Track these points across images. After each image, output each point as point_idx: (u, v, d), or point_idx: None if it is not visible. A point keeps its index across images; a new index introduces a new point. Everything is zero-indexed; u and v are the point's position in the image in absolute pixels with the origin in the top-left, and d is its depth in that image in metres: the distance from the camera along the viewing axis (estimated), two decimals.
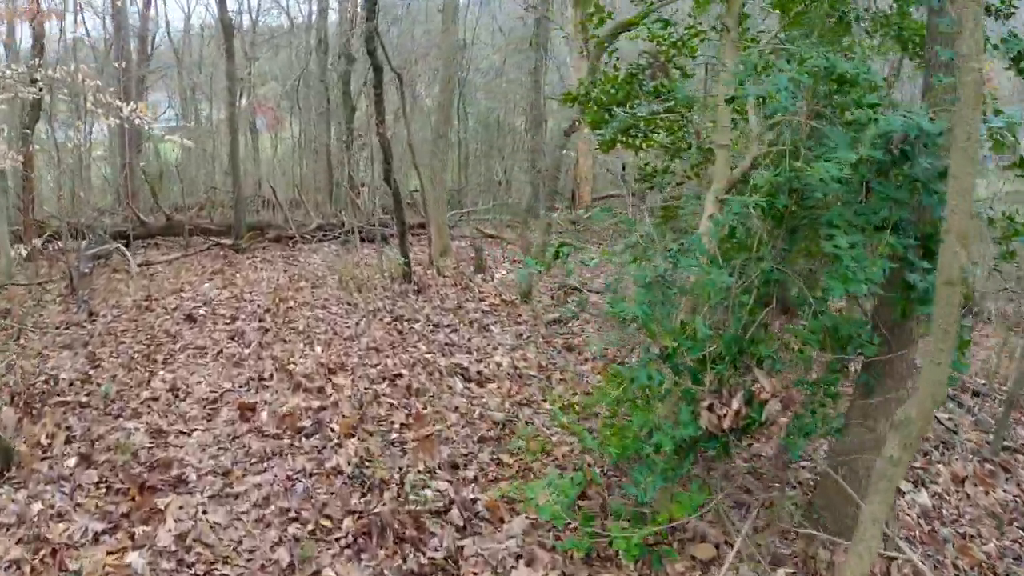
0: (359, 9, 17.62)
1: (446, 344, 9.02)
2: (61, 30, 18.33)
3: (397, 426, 6.65)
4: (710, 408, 4.70)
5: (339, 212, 20.34)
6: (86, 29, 25.88)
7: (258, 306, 10.54)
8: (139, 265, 13.33)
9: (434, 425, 6.65)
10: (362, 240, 15.92)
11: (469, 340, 9.22)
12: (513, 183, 22.68)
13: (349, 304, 10.47)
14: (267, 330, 9.30)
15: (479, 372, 8.07)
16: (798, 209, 4.74)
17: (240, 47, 27.67)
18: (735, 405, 4.64)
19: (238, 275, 13.01)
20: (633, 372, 5.01)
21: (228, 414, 6.94)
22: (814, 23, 5.53)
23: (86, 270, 11.51)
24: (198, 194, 21.66)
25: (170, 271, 13.36)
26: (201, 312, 10.34)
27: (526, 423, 6.98)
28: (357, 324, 9.62)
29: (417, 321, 9.75)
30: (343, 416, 6.74)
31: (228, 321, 9.91)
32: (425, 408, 7.05)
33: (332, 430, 6.50)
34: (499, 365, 8.41)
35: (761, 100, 4.87)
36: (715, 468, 6.01)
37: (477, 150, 24.16)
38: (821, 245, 4.42)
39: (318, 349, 8.53)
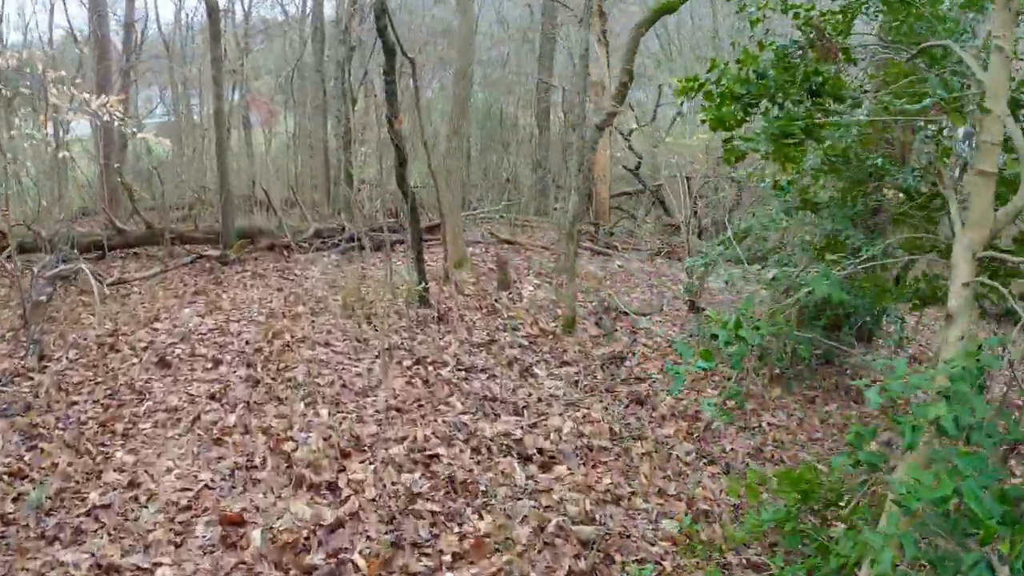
0: None
1: (485, 398, 6.80)
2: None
3: (448, 557, 4.43)
4: None
5: (338, 214, 18.04)
6: (68, 19, 23.43)
7: (246, 342, 8.27)
8: (111, 284, 10.99)
9: (499, 553, 4.44)
10: (362, 248, 13.65)
11: (513, 391, 7.00)
12: (519, 181, 20.41)
13: (357, 340, 8.21)
14: (257, 382, 7.03)
15: (539, 449, 5.85)
16: None
17: (232, 38, 25.33)
18: None
19: (225, 295, 10.70)
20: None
21: (206, 533, 4.69)
22: None
23: (42, 296, 9.19)
24: (188, 195, 19.36)
25: (146, 291, 11.03)
26: (177, 352, 8.06)
27: (622, 535, 4.80)
28: (370, 370, 7.39)
29: (444, 364, 7.51)
30: (368, 539, 4.52)
31: (209, 366, 7.63)
32: (481, 518, 4.83)
33: (356, 568, 4.28)
34: (560, 433, 6.19)
35: None
36: None
37: (479, 145, 21.84)
38: None
39: (323, 413, 6.27)
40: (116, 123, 10.72)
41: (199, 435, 6.00)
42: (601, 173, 16.76)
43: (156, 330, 8.88)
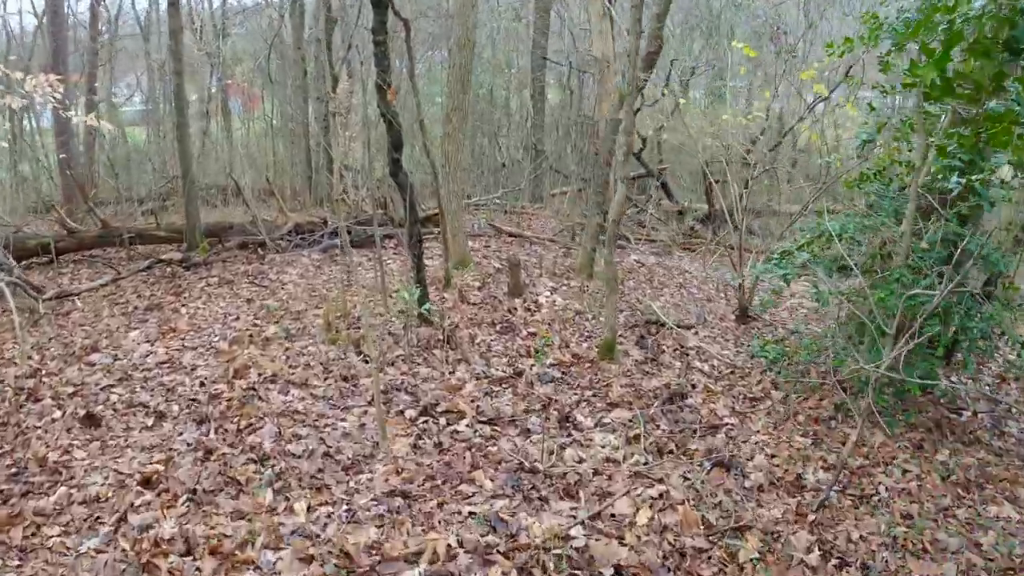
0: None
1: (521, 469, 4.77)
2: None
3: None
4: None
5: (320, 204, 15.86)
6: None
7: (201, 383, 6.16)
8: (49, 299, 8.82)
9: None
10: (351, 245, 11.52)
11: (560, 453, 4.98)
12: (513, 166, 18.27)
13: (344, 379, 6.13)
14: (209, 452, 4.94)
15: (616, 566, 3.84)
16: None
17: (209, 20, 22.91)
18: None
19: (184, 310, 8.56)
20: None
21: None
22: None
23: None
24: (162, 186, 17.11)
25: (90, 307, 8.86)
26: (113, 399, 5.96)
27: None
28: (362, 426, 5.33)
29: (460, 415, 5.46)
30: None
31: (150, 422, 5.53)
32: None
33: None
34: (634, 527, 4.19)
35: None
36: None
37: (470, 129, 19.63)
38: None
39: (299, 509, 4.21)
40: (49, 105, 8.79)
41: (122, 553, 3.93)
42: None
43: (91, 365, 6.75)
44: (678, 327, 7.62)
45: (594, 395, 6.00)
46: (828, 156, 9.01)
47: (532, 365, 6.45)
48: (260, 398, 5.83)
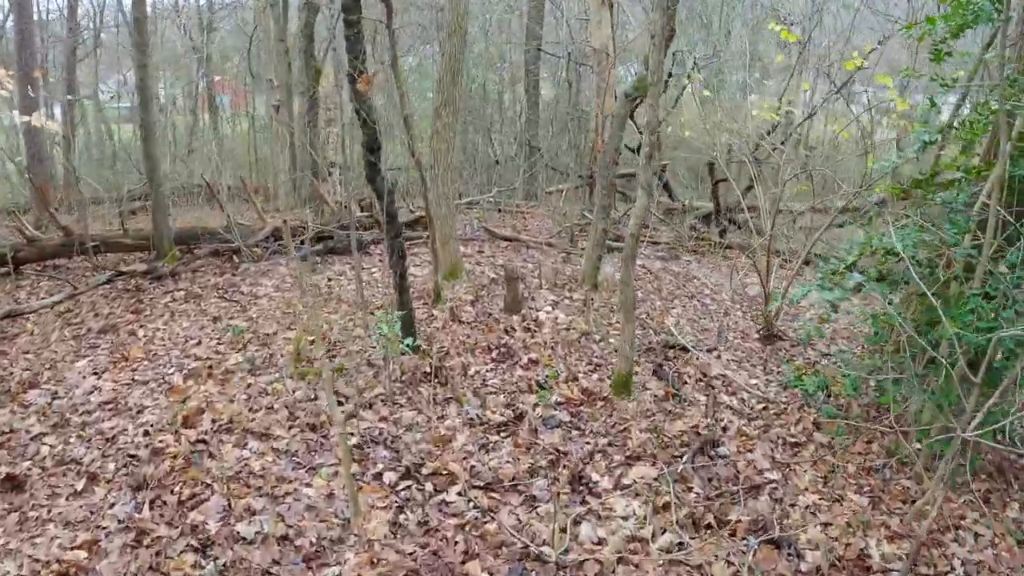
0: None
1: (526, 556, 3.73)
2: None
3: None
4: None
5: (303, 205, 14.73)
6: None
7: (146, 432, 5.08)
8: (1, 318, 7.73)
9: None
10: (332, 252, 10.43)
11: (573, 531, 3.94)
12: (506, 163, 17.15)
13: (311, 428, 5.05)
14: (142, 535, 3.89)
15: None
16: None
17: (196, 16, 21.75)
18: None
19: (142, 331, 7.47)
20: None
21: None
22: None
23: None
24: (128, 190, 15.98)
25: (42, 329, 7.76)
26: (43, 454, 4.89)
27: None
28: (330, 495, 4.27)
29: (451, 478, 4.41)
30: None
31: (80, 486, 4.46)
32: None
33: None
34: None
35: None
36: None
37: (462, 124, 18.49)
38: None
39: None
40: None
41: None
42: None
43: (25, 407, 5.67)
44: (696, 349, 6.57)
45: (610, 444, 4.95)
46: (869, 156, 7.95)
47: (535, 404, 5.39)
48: (211, 454, 4.76)
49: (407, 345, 5.31)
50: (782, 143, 12.82)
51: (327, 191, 12.23)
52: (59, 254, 10.25)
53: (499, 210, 14.71)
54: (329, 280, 9.18)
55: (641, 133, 14.58)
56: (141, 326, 7.72)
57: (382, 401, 5.32)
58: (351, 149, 14.65)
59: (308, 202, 12.10)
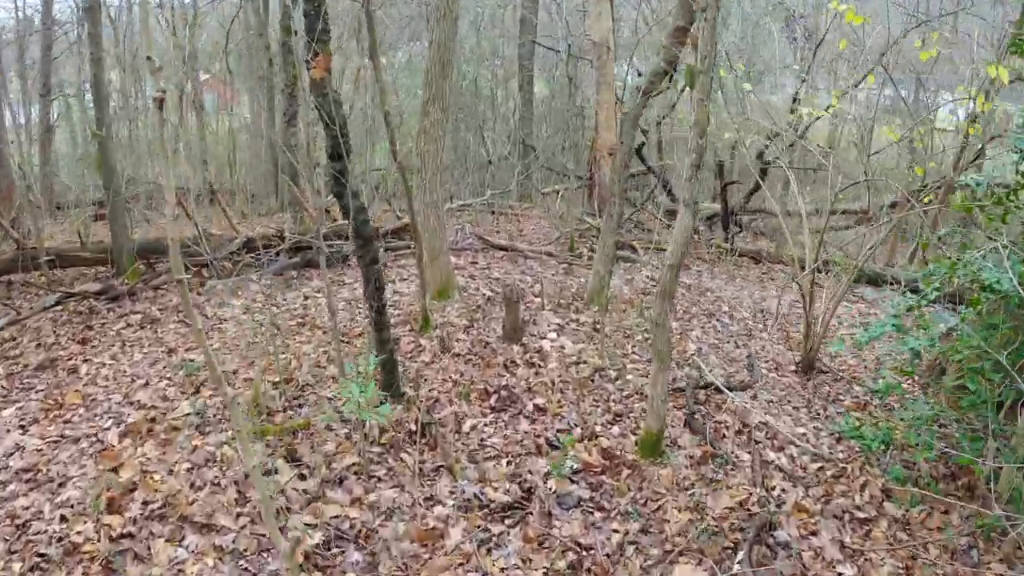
0: None
1: None
2: None
3: None
4: None
5: (283, 208, 13.55)
6: None
7: (62, 519, 3.90)
8: None
9: None
10: (310, 265, 9.24)
11: None
12: (500, 162, 15.94)
13: (257, 517, 3.90)
14: None
15: None
16: None
17: (180, 12, 20.39)
18: None
19: (84, 369, 6.27)
20: None
21: None
22: None
23: None
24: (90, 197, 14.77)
25: None
26: None
27: None
28: None
29: None
30: None
31: None
32: None
33: None
34: None
35: None
36: None
37: (453, 122, 17.25)
38: None
39: None
40: None
41: None
42: (607, 153, 12.44)
43: None
44: (733, 389, 5.43)
45: (643, 531, 3.81)
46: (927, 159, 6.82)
47: (547, 474, 4.24)
48: (136, 555, 3.60)
49: (384, 407, 4.11)
50: (790, 144, 11.72)
51: (309, 195, 11.01)
52: (10, 269, 9.01)
53: (492, 212, 13.54)
54: (306, 299, 8.00)
55: (646, 132, 13.41)
56: (86, 360, 6.53)
57: (355, 474, 4.16)
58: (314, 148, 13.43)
59: (290, 207, 10.88)
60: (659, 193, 13.95)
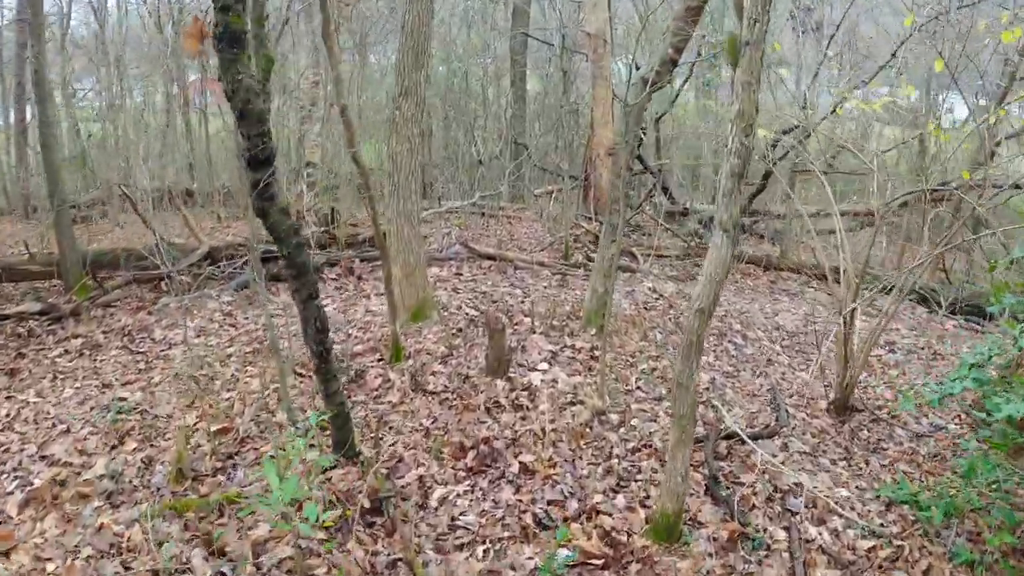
0: None
1: None
2: None
3: None
4: None
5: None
6: None
7: None
8: None
9: None
10: (276, 280, 8.20)
11: None
12: (491, 162, 14.91)
13: None
14: None
15: None
16: None
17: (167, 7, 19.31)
18: None
19: (4, 409, 5.28)
20: None
21: None
22: None
23: None
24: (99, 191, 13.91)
25: None
26: None
27: None
28: None
29: None
30: None
31: None
32: None
33: None
34: None
35: None
36: None
37: (441, 120, 16.20)
38: None
39: None
40: None
41: None
42: (603, 152, 11.43)
43: None
44: (759, 438, 4.44)
45: None
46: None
47: (534, 571, 3.24)
48: None
49: (310, 508, 3.08)
50: (801, 140, 10.73)
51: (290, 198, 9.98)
52: None
53: (483, 214, 12.53)
54: (271, 316, 6.98)
55: (644, 130, 12.40)
56: (8, 397, 5.53)
57: (288, 573, 3.16)
58: (326, 149, 12.42)
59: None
60: (657, 193, 12.96)
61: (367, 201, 5.14)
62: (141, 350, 6.29)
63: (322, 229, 8.73)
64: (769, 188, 12.61)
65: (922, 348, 7.32)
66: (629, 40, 16.54)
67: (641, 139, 13.37)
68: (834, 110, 9.66)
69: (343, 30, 12.38)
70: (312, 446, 3.80)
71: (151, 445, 4.49)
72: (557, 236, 10.28)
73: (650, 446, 4.35)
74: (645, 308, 7.43)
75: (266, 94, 9.58)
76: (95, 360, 6.18)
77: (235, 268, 8.08)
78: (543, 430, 4.47)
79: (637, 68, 11.67)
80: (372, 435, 4.23)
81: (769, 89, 12.17)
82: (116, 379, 5.71)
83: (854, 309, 4.69)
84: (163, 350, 6.29)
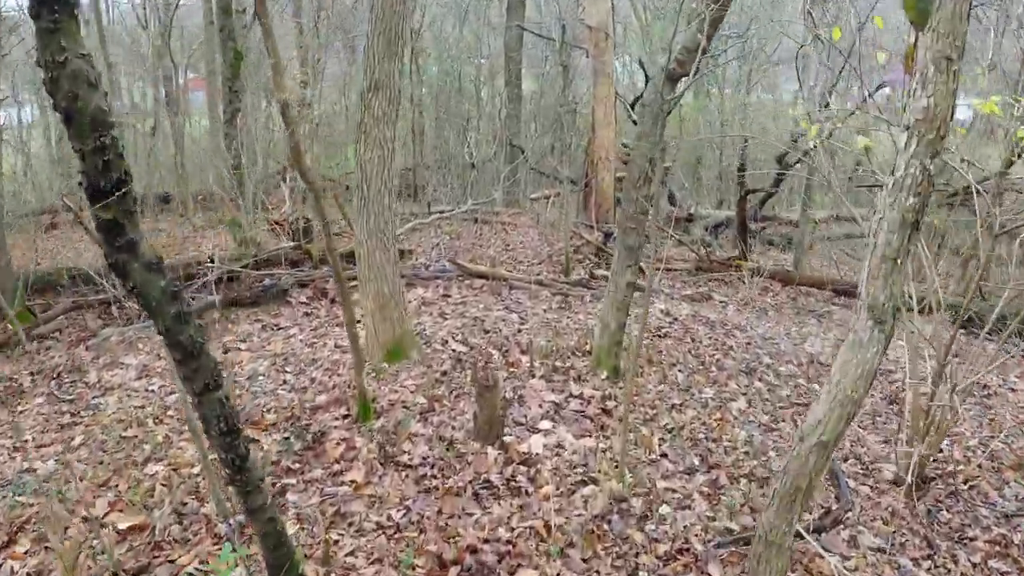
0: None
1: None
2: None
3: None
4: None
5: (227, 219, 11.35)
6: None
7: None
8: None
9: None
10: (236, 304, 7.08)
11: None
12: (485, 166, 13.79)
13: None
14: None
15: None
16: None
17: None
18: None
19: None
20: None
21: None
22: None
23: None
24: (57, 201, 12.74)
25: None
26: None
27: None
28: None
29: None
30: None
31: None
32: None
33: None
34: None
35: None
36: None
37: (432, 121, 15.04)
38: None
39: None
40: None
41: None
42: (605, 154, 10.33)
43: None
44: (821, 531, 3.37)
45: None
46: None
47: None
48: None
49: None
50: (807, 152, 9.65)
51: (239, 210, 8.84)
52: None
53: (476, 220, 11.45)
54: (226, 352, 5.89)
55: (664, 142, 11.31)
56: None
57: None
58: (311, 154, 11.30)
59: (231, 224, 8.72)
60: (658, 195, 11.87)
61: (323, 227, 4.01)
62: (69, 397, 5.18)
63: (293, 244, 7.61)
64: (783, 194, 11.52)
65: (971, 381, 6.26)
66: (629, 40, 15.44)
67: (664, 147, 12.28)
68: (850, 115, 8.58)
69: (324, 24, 11.26)
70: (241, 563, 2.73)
71: (45, 547, 3.40)
72: (556, 248, 9.21)
73: (688, 550, 3.27)
74: (659, 336, 6.35)
75: (234, 93, 8.39)
76: (14, 411, 5.08)
77: (194, 290, 6.97)
78: (547, 527, 3.38)
79: (642, 66, 10.37)
80: (324, 540, 3.14)
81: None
82: (32, 438, 4.62)
83: (948, 354, 3.58)
84: (96, 397, 5.18)
